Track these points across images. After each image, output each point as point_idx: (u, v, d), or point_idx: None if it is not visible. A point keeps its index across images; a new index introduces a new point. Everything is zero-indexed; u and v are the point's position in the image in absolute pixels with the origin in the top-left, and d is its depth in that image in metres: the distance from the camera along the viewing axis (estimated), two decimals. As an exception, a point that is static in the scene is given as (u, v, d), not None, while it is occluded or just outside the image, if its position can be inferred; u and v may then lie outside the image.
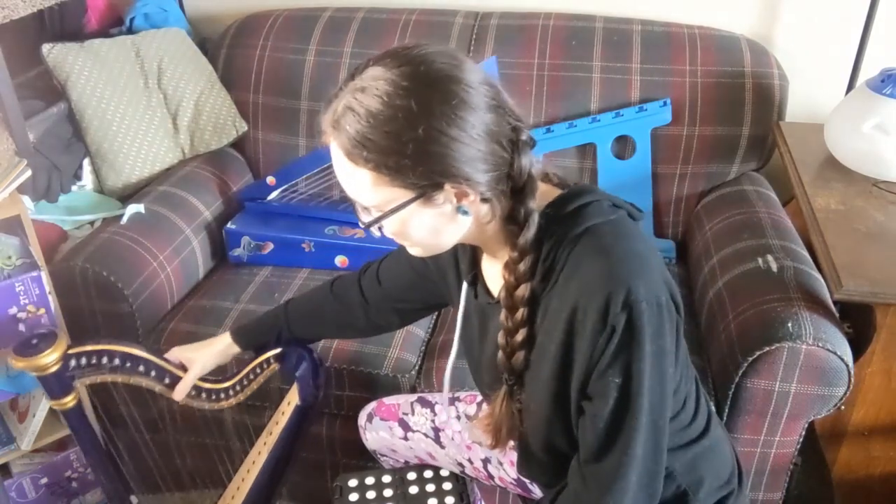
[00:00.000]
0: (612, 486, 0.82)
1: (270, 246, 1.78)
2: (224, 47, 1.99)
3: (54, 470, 1.56)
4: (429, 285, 1.12)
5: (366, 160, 0.77)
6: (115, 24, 2.00)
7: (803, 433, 1.37)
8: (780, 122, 1.78)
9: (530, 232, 0.83)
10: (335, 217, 1.83)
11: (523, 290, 0.84)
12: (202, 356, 1.23)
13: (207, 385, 1.25)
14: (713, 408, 1.00)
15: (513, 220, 0.84)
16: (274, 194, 1.87)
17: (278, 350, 1.29)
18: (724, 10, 1.88)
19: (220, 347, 1.26)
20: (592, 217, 0.83)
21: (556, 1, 1.94)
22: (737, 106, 1.76)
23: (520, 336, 0.87)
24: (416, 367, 1.50)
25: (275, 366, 1.31)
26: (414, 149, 0.76)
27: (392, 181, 0.78)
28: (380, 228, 0.85)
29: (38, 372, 1.09)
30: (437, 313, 1.66)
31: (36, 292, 1.28)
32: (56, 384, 1.12)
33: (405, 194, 0.79)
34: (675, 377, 0.85)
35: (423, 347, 1.56)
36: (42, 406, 1.38)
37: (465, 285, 0.99)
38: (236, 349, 1.27)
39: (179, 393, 1.18)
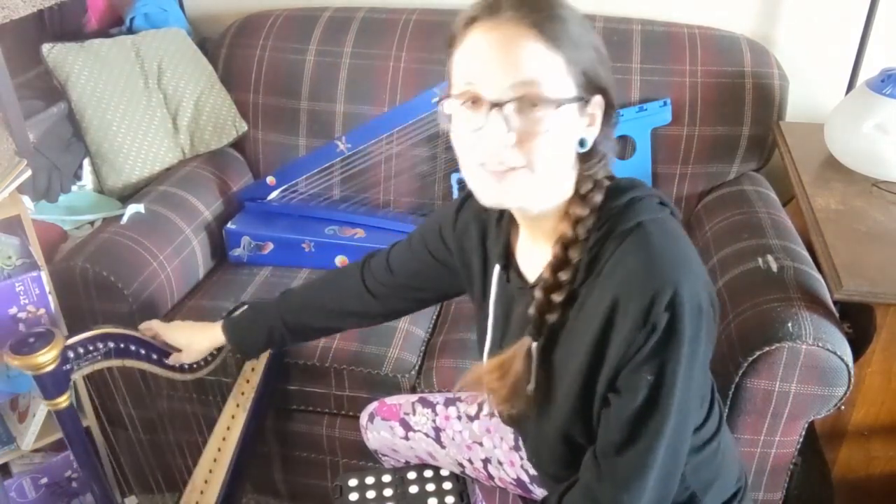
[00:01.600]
0: (629, 484, 0.82)
1: (270, 246, 1.78)
2: (224, 47, 1.99)
3: (54, 470, 1.56)
4: (445, 273, 1.10)
5: (560, 45, 0.78)
6: (115, 24, 2.00)
7: (803, 433, 1.37)
8: (780, 122, 1.78)
9: (596, 199, 0.84)
10: (335, 217, 1.83)
11: (569, 274, 0.84)
12: (194, 347, 1.29)
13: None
14: (724, 411, 1.00)
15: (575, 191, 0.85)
16: (274, 194, 1.87)
17: (245, 307, 1.35)
18: (724, 10, 1.88)
19: (209, 339, 1.30)
20: (643, 213, 0.83)
21: (556, 1, 1.94)
22: (737, 106, 1.76)
23: (552, 317, 0.86)
24: (416, 367, 1.50)
25: None
26: (595, 51, 0.81)
27: (569, 72, 0.79)
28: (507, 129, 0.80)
29: (33, 371, 1.10)
30: (437, 313, 1.66)
31: (36, 292, 1.28)
32: (51, 383, 1.12)
33: (573, 90, 0.80)
34: (703, 383, 0.85)
35: (423, 347, 1.56)
36: (42, 406, 1.38)
37: (497, 269, 0.98)
38: (223, 344, 1.30)
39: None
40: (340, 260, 1.76)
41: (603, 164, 0.86)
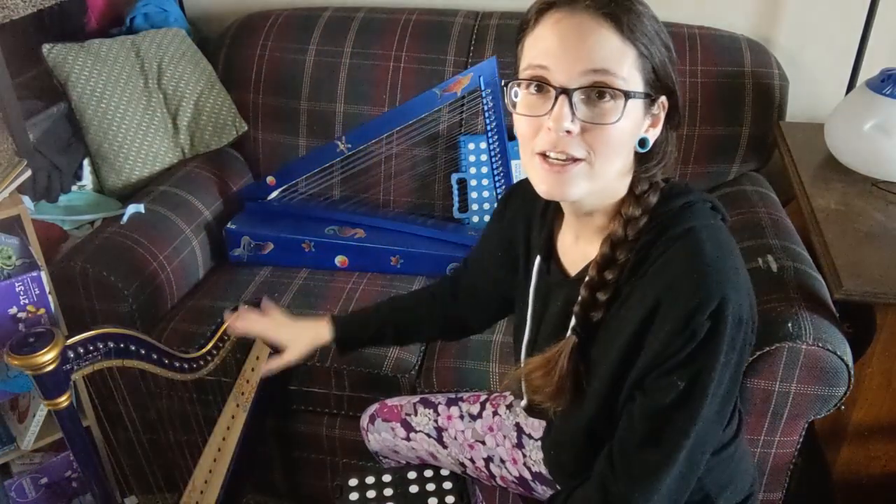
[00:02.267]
0: (643, 482, 0.81)
1: (270, 246, 1.78)
2: (224, 47, 1.99)
3: (54, 470, 1.56)
4: (504, 264, 1.08)
5: (635, 38, 0.77)
6: (115, 24, 2.00)
7: (803, 433, 1.37)
8: (780, 122, 1.78)
9: (650, 201, 0.83)
10: (335, 217, 1.83)
11: (615, 273, 0.83)
12: (300, 343, 1.20)
13: (186, 356, 1.32)
14: (743, 419, 1.00)
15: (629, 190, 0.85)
16: (274, 194, 1.87)
17: (245, 306, 1.33)
18: (724, 10, 1.88)
19: (312, 336, 1.20)
20: (695, 219, 0.82)
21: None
22: (737, 106, 1.76)
23: (597, 315, 0.85)
24: (416, 367, 1.50)
25: None
26: (666, 50, 0.80)
27: (640, 67, 0.79)
28: (573, 119, 0.78)
29: (33, 371, 1.09)
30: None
31: (36, 292, 1.28)
32: (51, 383, 1.12)
33: (641, 86, 0.80)
34: (733, 394, 0.84)
35: (423, 347, 1.56)
36: (42, 406, 1.38)
37: (537, 260, 0.97)
38: (327, 342, 1.20)
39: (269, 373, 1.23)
40: (340, 260, 1.76)
41: (662, 166, 0.86)
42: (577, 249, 0.92)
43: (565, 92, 0.76)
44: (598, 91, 0.76)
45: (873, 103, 1.53)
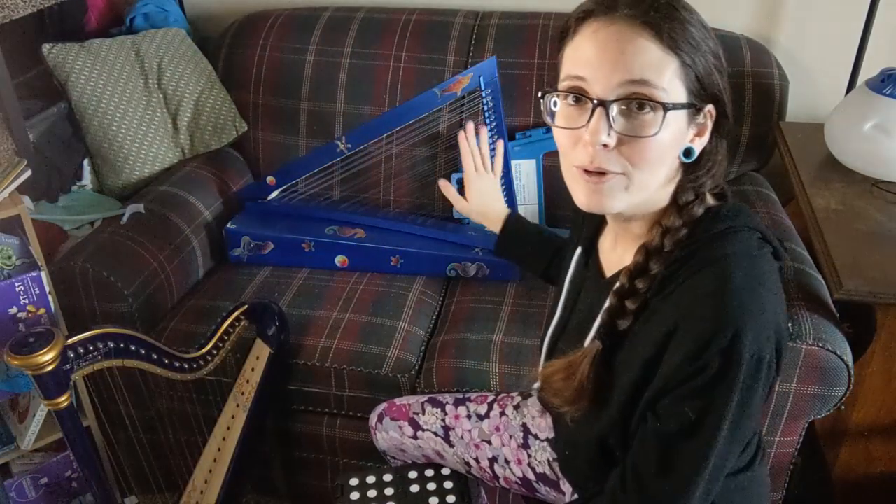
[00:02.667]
0: (655, 501, 0.81)
1: (270, 246, 1.78)
2: (224, 47, 1.99)
3: (54, 470, 1.56)
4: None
5: (676, 47, 0.75)
6: (115, 24, 2.00)
7: (803, 433, 1.37)
8: (781, 122, 1.78)
9: (695, 212, 0.80)
10: (335, 217, 1.83)
11: (646, 282, 0.81)
12: (480, 215, 1.28)
13: (186, 356, 1.35)
14: (762, 443, 0.99)
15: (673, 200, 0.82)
16: (274, 194, 1.87)
17: (245, 307, 1.45)
18: (724, 10, 1.88)
19: (496, 211, 1.27)
20: (735, 246, 0.78)
21: (556, 1, 1.94)
22: (737, 106, 1.75)
23: (624, 324, 0.83)
24: (416, 367, 1.50)
25: (245, 322, 1.46)
26: (713, 57, 0.78)
27: (682, 76, 0.77)
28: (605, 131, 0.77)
29: (33, 371, 1.10)
30: (437, 313, 1.67)
31: (36, 292, 1.28)
32: (51, 383, 1.12)
33: (684, 96, 0.77)
34: (750, 429, 0.82)
35: (423, 347, 1.56)
36: (42, 406, 1.38)
37: (578, 250, 0.97)
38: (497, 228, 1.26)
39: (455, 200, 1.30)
40: (340, 260, 1.76)
41: (712, 175, 0.83)
42: (615, 252, 0.91)
43: (602, 104, 0.75)
44: (637, 103, 0.75)
45: (873, 103, 1.53)
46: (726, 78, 0.81)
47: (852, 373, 1.25)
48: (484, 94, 1.74)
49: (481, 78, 1.74)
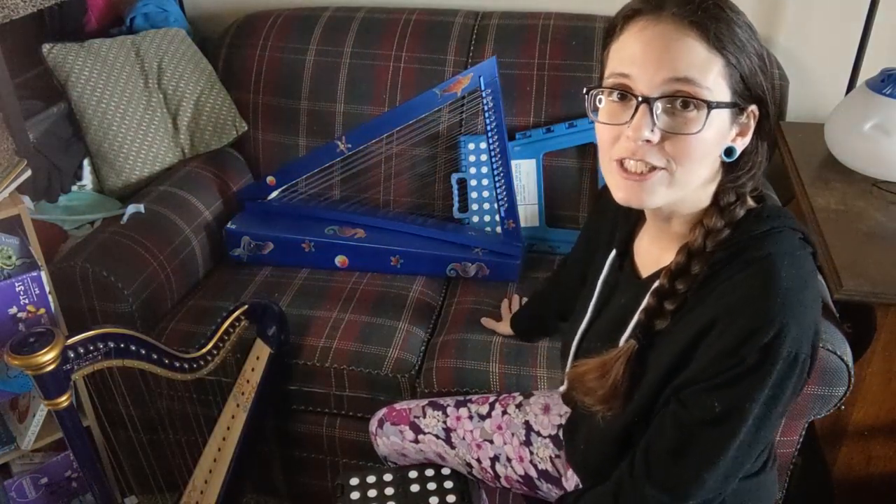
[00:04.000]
0: (663, 487, 0.81)
1: (270, 246, 1.78)
2: (224, 47, 1.99)
3: (54, 470, 1.56)
4: (588, 258, 1.08)
5: (721, 47, 0.75)
6: (115, 24, 2.00)
7: (803, 433, 1.37)
8: (781, 122, 1.78)
9: (736, 213, 0.81)
10: (335, 217, 1.83)
11: (686, 283, 0.81)
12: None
13: (186, 356, 1.35)
14: (774, 447, 0.98)
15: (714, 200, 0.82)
16: (274, 194, 1.87)
17: (245, 307, 1.46)
18: (723, 10, 1.88)
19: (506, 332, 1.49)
20: (777, 245, 0.79)
21: (556, 1, 1.94)
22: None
23: (661, 323, 0.83)
24: (416, 368, 1.50)
25: (245, 322, 1.46)
26: (758, 58, 0.78)
27: (727, 75, 0.77)
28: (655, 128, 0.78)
29: (33, 371, 1.10)
30: (437, 313, 1.66)
31: (36, 292, 1.28)
32: (51, 383, 1.12)
33: (728, 95, 0.78)
34: (774, 430, 0.82)
35: (423, 347, 1.56)
36: (42, 406, 1.38)
37: (613, 253, 0.97)
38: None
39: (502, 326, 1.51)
40: (340, 260, 1.76)
41: (752, 177, 0.83)
42: (652, 253, 0.91)
43: (647, 101, 0.76)
44: (681, 100, 0.75)
45: (873, 103, 1.53)
46: (770, 79, 0.81)
47: (852, 373, 1.25)
48: (484, 95, 1.74)
49: (481, 78, 1.74)
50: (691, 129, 0.76)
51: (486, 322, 1.54)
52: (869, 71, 1.68)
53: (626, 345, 0.87)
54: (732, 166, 0.82)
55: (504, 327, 1.50)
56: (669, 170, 0.78)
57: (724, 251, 0.80)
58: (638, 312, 0.86)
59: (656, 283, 0.85)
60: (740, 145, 0.81)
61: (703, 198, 0.83)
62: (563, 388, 1.02)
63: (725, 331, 0.76)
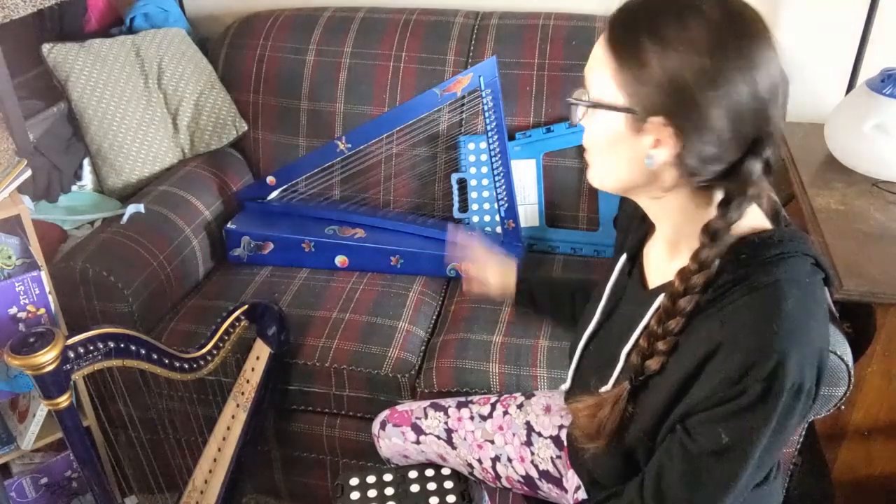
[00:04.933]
0: None
1: (270, 246, 1.78)
2: (224, 47, 1.99)
3: (54, 470, 1.56)
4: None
5: (620, 52, 0.80)
6: (115, 24, 2.00)
7: (803, 433, 1.37)
8: (780, 122, 1.78)
9: (714, 250, 0.78)
10: (335, 217, 1.83)
11: (688, 302, 0.80)
12: (492, 285, 1.22)
13: (186, 356, 1.35)
14: (780, 456, 0.98)
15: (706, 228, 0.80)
16: (274, 194, 1.87)
17: (245, 307, 1.46)
18: (723, 10, 1.88)
19: (502, 285, 1.22)
20: (785, 272, 0.77)
21: (556, 1, 1.94)
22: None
23: (664, 345, 0.82)
24: (416, 367, 1.50)
25: (245, 322, 1.47)
26: (696, 75, 0.76)
27: (624, 83, 0.79)
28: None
29: (34, 371, 1.09)
30: (437, 313, 1.66)
31: (36, 292, 1.28)
32: (52, 383, 1.12)
33: (620, 99, 0.79)
34: (780, 451, 0.82)
35: (423, 347, 1.56)
36: (42, 406, 1.38)
37: (623, 258, 0.97)
38: (511, 295, 1.22)
39: (468, 283, 1.22)
40: (340, 260, 1.76)
41: (735, 207, 0.78)
42: (660, 262, 0.91)
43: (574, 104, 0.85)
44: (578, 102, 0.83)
45: (873, 103, 1.53)
46: (723, 97, 0.79)
47: (852, 373, 1.25)
48: (484, 94, 1.74)
49: (481, 78, 1.74)
50: (573, 122, 0.85)
51: (469, 270, 1.25)
52: (869, 71, 1.68)
53: (618, 388, 0.87)
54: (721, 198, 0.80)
55: (496, 284, 1.23)
56: (590, 163, 0.87)
57: (730, 274, 0.79)
58: (633, 356, 0.86)
59: (657, 305, 0.84)
60: (659, 156, 0.78)
61: (685, 222, 0.83)
62: (564, 387, 1.01)
63: (727, 359, 0.75)
